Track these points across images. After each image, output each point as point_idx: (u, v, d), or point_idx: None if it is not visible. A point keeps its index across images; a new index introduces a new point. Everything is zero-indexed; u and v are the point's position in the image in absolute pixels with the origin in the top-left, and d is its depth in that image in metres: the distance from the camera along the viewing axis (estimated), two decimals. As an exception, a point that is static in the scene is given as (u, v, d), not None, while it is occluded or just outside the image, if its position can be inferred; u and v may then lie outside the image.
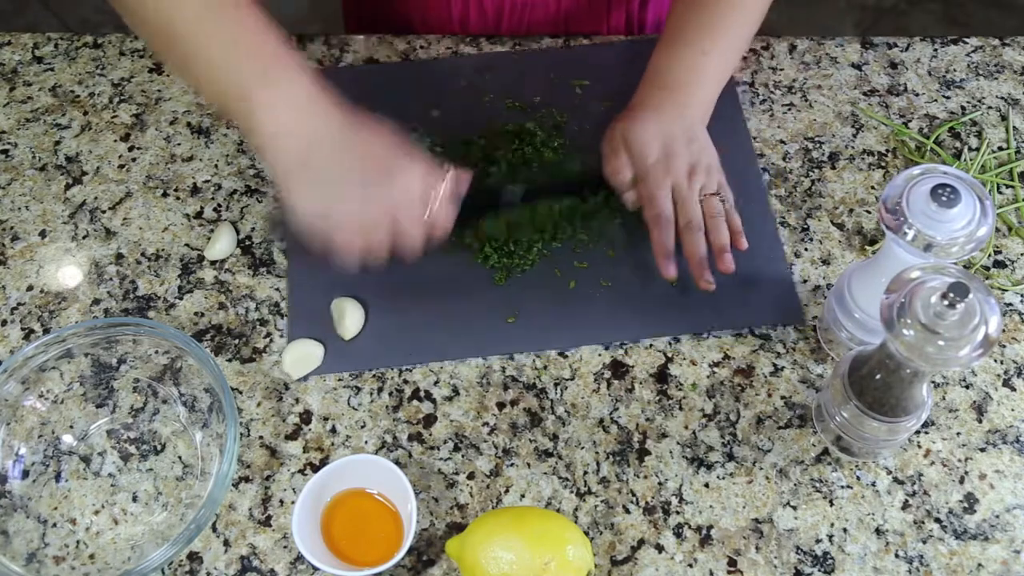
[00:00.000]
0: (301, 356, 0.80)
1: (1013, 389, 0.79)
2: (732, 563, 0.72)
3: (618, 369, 0.80)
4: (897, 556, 0.72)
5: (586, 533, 0.73)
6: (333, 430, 0.78)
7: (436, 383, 0.80)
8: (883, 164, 0.90)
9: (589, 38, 0.99)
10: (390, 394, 0.80)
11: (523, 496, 0.75)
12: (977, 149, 0.91)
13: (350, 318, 0.81)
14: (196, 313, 0.84)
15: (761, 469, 0.76)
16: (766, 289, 0.83)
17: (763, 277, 0.84)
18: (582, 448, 0.77)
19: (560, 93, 0.95)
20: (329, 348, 0.81)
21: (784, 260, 0.85)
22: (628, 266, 0.84)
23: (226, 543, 0.74)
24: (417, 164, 0.71)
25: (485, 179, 0.86)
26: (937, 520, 0.74)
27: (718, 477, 0.75)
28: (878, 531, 0.73)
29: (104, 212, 0.90)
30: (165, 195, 0.91)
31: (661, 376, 0.80)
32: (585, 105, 0.94)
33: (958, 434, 0.77)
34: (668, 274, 0.80)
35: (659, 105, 0.85)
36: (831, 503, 0.74)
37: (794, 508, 0.74)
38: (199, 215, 0.89)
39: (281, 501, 0.76)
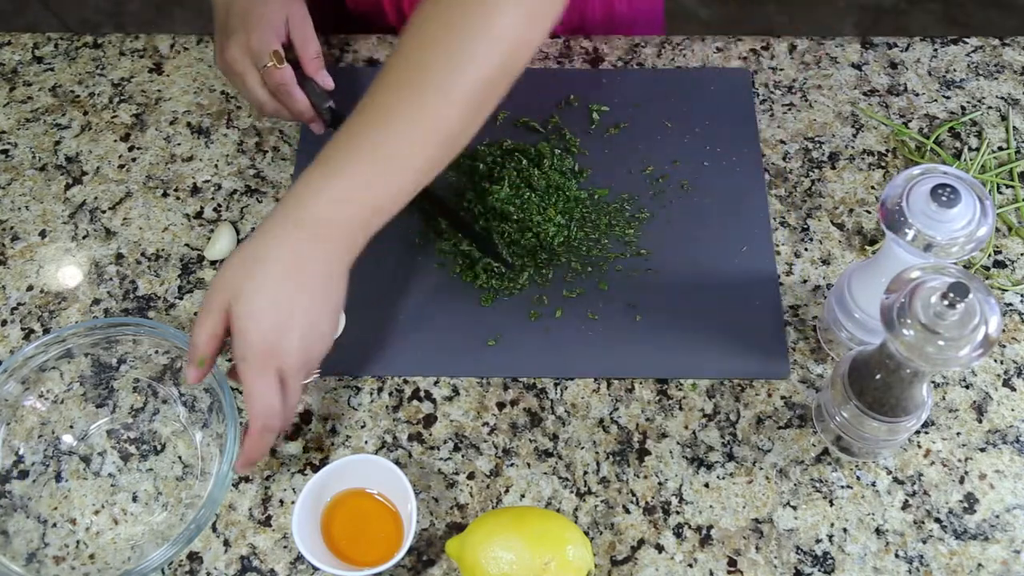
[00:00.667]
0: None
1: (1013, 389, 0.79)
2: (732, 563, 0.72)
3: (618, 369, 0.80)
4: (897, 556, 0.72)
5: (586, 533, 0.73)
6: (333, 430, 0.78)
7: (436, 383, 0.80)
8: (883, 164, 0.90)
9: (620, 63, 0.98)
10: (390, 394, 0.80)
11: (523, 496, 0.75)
12: (977, 149, 0.91)
13: None
14: (196, 313, 0.84)
15: (761, 469, 0.76)
16: (756, 340, 0.81)
17: (755, 327, 0.81)
18: (582, 448, 0.77)
19: (576, 116, 0.93)
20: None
21: (780, 311, 0.82)
22: (619, 302, 0.83)
23: (226, 543, 0.74)
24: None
25: (486, 197, 0.85)
26: (937, 520, 0.74)
27: (718, 477, 0.75)
28: (878, 531, 0.73)
29: (104, 212, 0.90)
30: (165, 195, 0.91)
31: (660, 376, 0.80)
32: (601, 132, 0.92)
33: (958, 434, 0.77)
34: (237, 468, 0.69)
35: (284, 246, 0.67)
36: (831, 503, 0.74)
37: (794, 508, 0.74)
38: (199, 215, 0.89)
39: (281, 501, 0.76)
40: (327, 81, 0.85)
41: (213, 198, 0.90)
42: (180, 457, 0.78)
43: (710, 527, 0.74)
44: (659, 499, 0.75)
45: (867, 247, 0.86)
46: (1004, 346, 0.81)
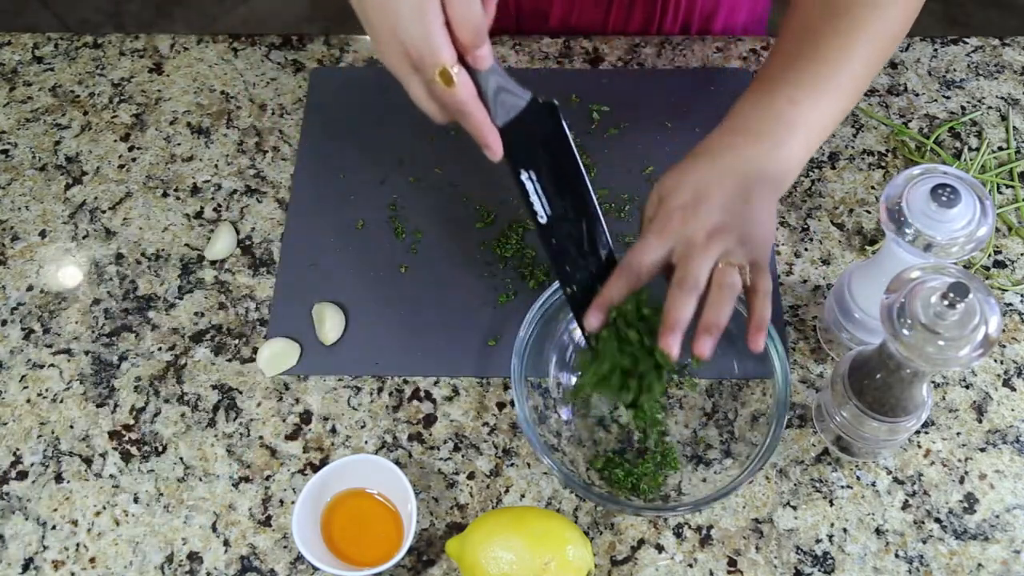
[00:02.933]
0: (276, 353, 0.80)
1: (1013, 389, 0.79)
2: (732, 563, 0.72)
3: (618, 369, 0.80)
4: (897, 556, 0.72)
5: (586, 533, 0.73)
6: (333, 430, 0.78)
7: (436, 383, 0.80)
8: (883, 164, 0.90)
9: (619, 64, 0.98)
10: (390, 394, 0.80)
11: (523, 496, 0.75)
12: (977, 149, 0.91)
13: (330, 323, 0.81)
14: (196, 313, 0.84)
15: (761, 469, 0.75)
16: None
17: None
18: (583, 447, 0.77)
19: (576, 116, 0.93)
20: (308, 350, 0.81)
21: (780, 311, 0.82)
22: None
23: (226, 543, 0.74)
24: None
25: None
26: (937, 520, 0.74)
27: (715, 473, 0.75)
28: (878, 531, 0.73)
29: (104, 212, 0.90)
30: (165, 195, 0.91)
31: (661, 376, 0.80)
32: (601, 132, 0.92)
33: (958, 434, 0.77)
34: (590, 323, 0.66)
35: (716, 151, 0.68)
36: (831, 503, 0.74)
37: (794, 508, 0.74)
38: (199, 215, 0.89)
39: (281, 501, 0.76)
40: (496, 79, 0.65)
41: (213, 198, 0.90)
42: (182, 458, 0.78)
43: (710, 527, 0.74)
44: (659, 499, 0.75)
45: (867, 247, 0.86)
46: (1004, 346, 0.81)
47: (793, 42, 0.73)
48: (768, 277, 0.65)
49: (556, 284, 0.78)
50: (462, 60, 0.61)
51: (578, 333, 0.75)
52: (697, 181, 0.67)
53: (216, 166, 0.92)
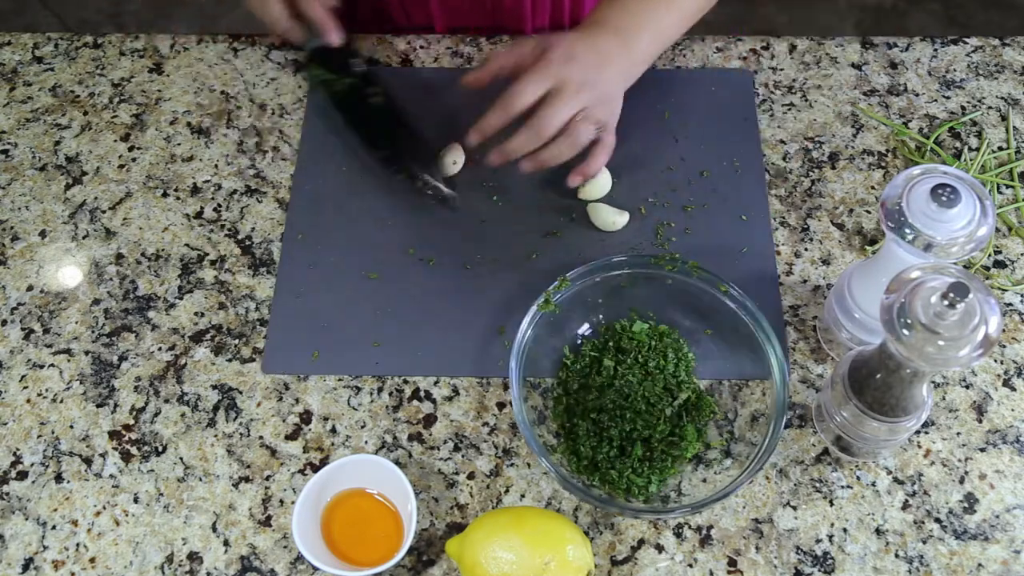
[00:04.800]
0: None
1: (1013, 389, 0.79)
2: (732, 563, 0.72)
3: (618, 369, 0.80)
4: (897, 556, 0.72)
5: (586, 533, 0.73)
6: (333, 430, 0.78)
7: (436, 383, 0.80)
8: (883, 164, 0.90)
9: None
10: (390, 394, 0.80)
11: (523, 496, 0.75)
12: (977, 149, 0.91)
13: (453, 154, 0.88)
14: (196, 313, 0.84)
15: (761, 469, 0.75)
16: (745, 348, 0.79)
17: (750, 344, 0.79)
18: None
19: None
20: (322, 352, 0.81)
21: (780, 311, 0.83)
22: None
23: (226, 543, 0.74)
24: None
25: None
26: (937, 520, 0.74)
27: (715, 473, 0.75)
28: (878, 531, 0.73)
29: (104, 212, 0.90)
30: (165, 195, 0.91)
31: (661, 376, 0.80)
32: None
33: (958, 434, 0.77)
34: (469, 140, 0.80)
35: (586, 35, 0.81)
36: (831, 503, 0.74)
37: (794, 508, 0.74)
38: (199, 215, 0.89)
39: (281, 501, 0.76)
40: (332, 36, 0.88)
41: (213, 198, 0.90)
42: (182, 458, 0.78)
43: (710, 527, 0.74)
44: (659, 499, 0.75)
45: (867, 247, 0.86)
46: (1004, 346, 0.81)
47: None
48: (613, 137, 0.81)
49: (556, 284, 0.78)
50: None
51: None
52: (571, 45, 0.79)
53: (216, 166, 0.92)
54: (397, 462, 0.76)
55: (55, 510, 0.76)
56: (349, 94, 0.90)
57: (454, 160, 0.88)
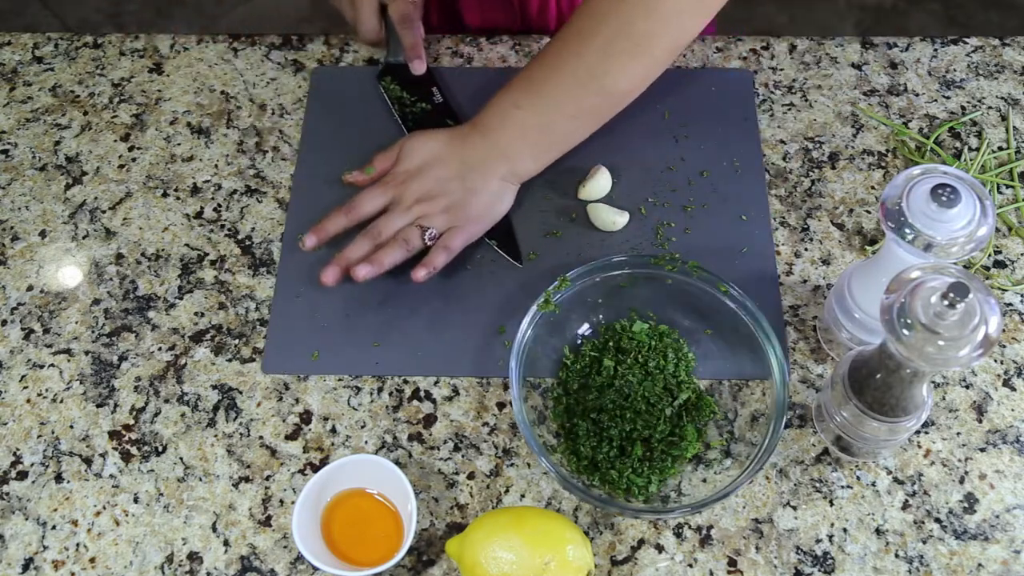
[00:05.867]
0: None
1: (1013, 389, 0.79)
2: (732, 563, 0.72)
3: (618, 369, 0.80)
4: (897, 556, 0.72)
5: (586, 533, 0.73)
6: (333, 430, 0.78)
7: (436, 383, 0.80)
8: (883, 164, 0.90)
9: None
10: (390, 394, 0.80)
11: (523, 496, 0.75)
12: (977, 149, 0.91)
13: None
14: (196, 313, 0.84)
15: (761, 469, 0.75)
16: (744, 349, 0.79)
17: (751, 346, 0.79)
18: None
19: None
20: (322, 351, 0.81)
21: (780, 311, 0.83)
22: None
23: (226, 543, 0.74)
24: None
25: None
26: (937, 520, 0.74)
27: (715, 473, 0.75)
28: (878, 531, 0.73)
29: (104, 212, 0.90)
30: (165, 195, 0.91)
31: (661, 376, 0.80)
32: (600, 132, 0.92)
33: (958, 434, 0.77)
34: (307, 241, 0.82)
35: (457, 135, 0.84)
36: (831, 503, 0.74)
37: (794, 508, 0.74)
38: (199, 215, 0.89)
39: (281, 501, 0.76)
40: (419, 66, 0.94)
41: (213, 198, 0.90)
42: (182, 459, 0.78)
43: (710, 527, 0.74)
44: (659, 499, 0.75)
45: (867, 247, 0.86)
46: (1004, 346, 0.81)
47: (550, 45, 0.82)
48: (459, 239, 0.81)
49: (556, 284, 0.78)
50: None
51: None
52: (429, 152, 0.83)
53: (216, 166, 0.92)
54: (397, 462, 0.76)
55: (55, 510, 0.76)
56: (423, 119, 0.92)
57: None
